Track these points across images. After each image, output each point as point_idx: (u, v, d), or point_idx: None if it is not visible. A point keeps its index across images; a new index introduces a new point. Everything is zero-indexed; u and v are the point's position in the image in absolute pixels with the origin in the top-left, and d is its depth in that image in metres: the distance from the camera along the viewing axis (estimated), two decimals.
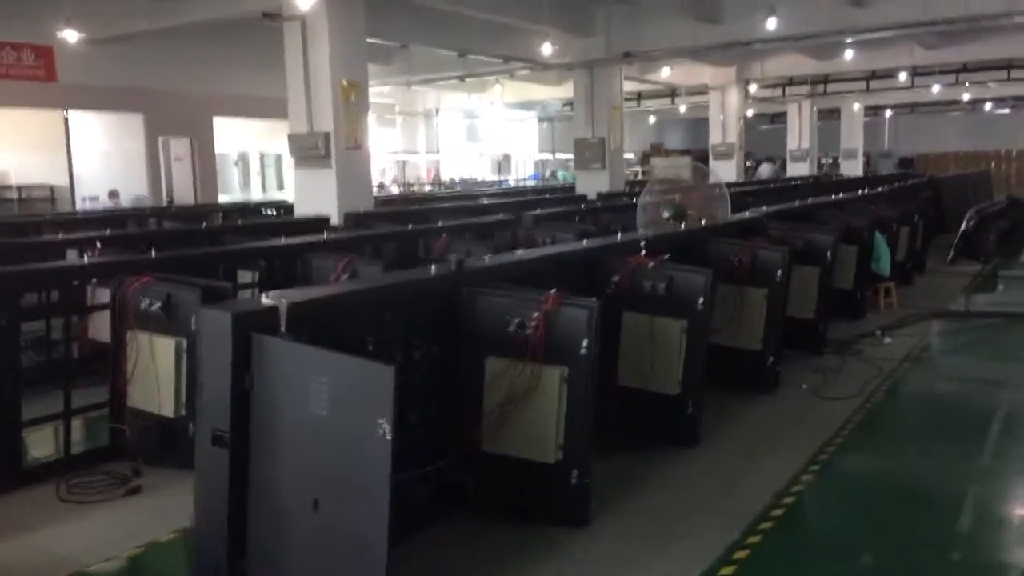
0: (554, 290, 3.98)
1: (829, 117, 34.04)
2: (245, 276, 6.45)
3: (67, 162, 14.90)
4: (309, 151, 11.64)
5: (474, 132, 31.11)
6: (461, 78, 20.75)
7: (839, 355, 7.12)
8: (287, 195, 19.59)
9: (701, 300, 4.86)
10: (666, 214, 7.58)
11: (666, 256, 5.07)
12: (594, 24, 17.51)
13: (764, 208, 7.92)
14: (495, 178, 29.68)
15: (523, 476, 3.99)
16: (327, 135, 11.35)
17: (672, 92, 28.47)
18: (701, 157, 38.04)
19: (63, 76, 14.19)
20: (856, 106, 33.08)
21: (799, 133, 30.11)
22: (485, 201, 14.23)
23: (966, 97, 31.36)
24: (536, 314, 3.88)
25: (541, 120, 32.60)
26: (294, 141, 11.74)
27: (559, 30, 16.59)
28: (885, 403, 5.95)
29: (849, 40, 18.25)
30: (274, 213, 13.65)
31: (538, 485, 3.99)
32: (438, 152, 28.47)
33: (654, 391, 4.94)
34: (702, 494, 4.38)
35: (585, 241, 5.48)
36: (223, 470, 3.08)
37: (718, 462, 4.83)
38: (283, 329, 3.11)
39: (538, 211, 9.15)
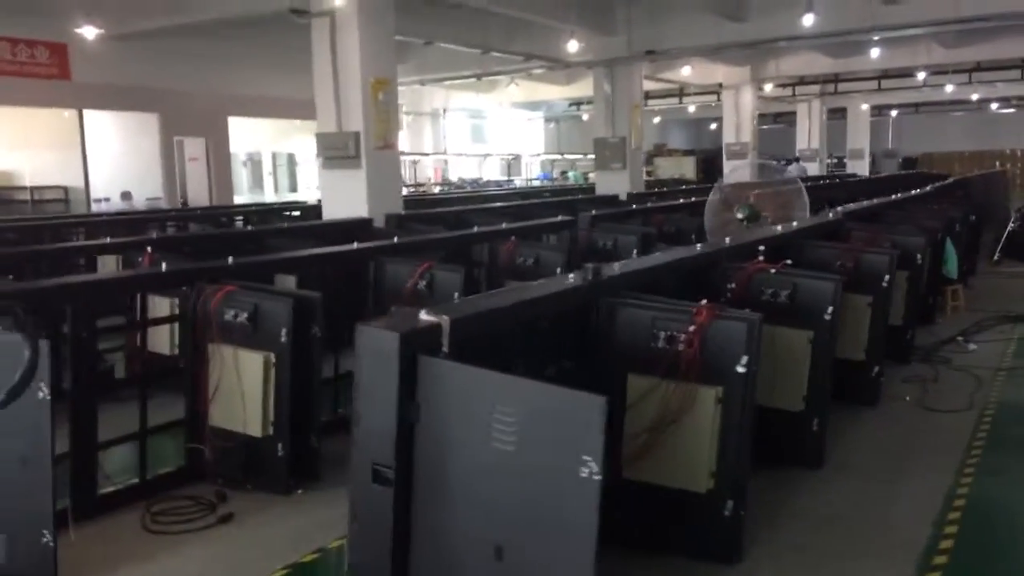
0: (705, 301, 3.63)
1: (833, 117, 33.84)
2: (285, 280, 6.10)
3: (82, 162, 14.47)
4: (338, 151, 11.23)
5: (479, 132, 30.74)
6: (477, 76, 20.43)
7: (928, 363, 6.80)
8: (299, 196, 19.29)
9: (830, 309, 4.52)
10: (740, 215, 7.24)
11: (788, 262, 4.73)
12: (615, 21, 17.20)
13: (839, 209, 7.55)
14: (503, 178, 29.30)
15: (669, 506, 3.63)
16: (357, 134, 10.96)
17: (680, 92, 28.21)
18: (705, 157, 38.09)
19: (77, 75, 13.78)
20: (864, 106, 32.90)
21: (808, 133, 29.90)
22: (498, 204, 13.89)
23: (975, 97, 31.21)
24: (690, 328, 3.53)
25: (548, 120, 32.30)
26: (322, 141, 11.34)
27: (580, 27, 16.30)
28: (1002, 417, 5.60)
29: (876, 38, 17.96)
30: (297, 214, 13.27)
31: (687, 516, 3.64)
32: (445, 153, 28.10)
33: (775, 407, 4.60)
34: (853, 525, 4.02)
35: (699, 246, 5.12)
36: (385, 511, 2.71)
37: (854, 487, 4.48)
38: (446, 349, 2.75)
39: (593, 212, 8.78)
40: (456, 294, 5.59)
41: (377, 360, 2.69)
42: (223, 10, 12.57)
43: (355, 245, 5.96)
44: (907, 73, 26.37)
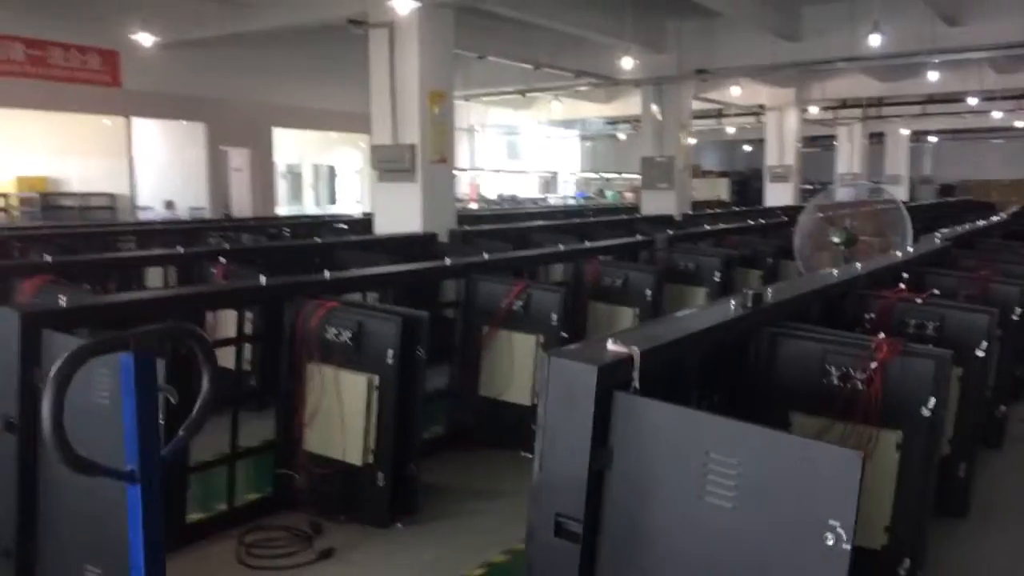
0: (882, 334, 3.28)
1: (870, 141, 33.37)
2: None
3: (128, 170, 14.29)
4: (393, 164, 10.99)
5: (514, 149, 30.50)
6: (522, 92, 20.19)
7: None
8: (339, 208, 19.09)
9: (984, 344, 4.14)
10: (836, 239, 6.88)
11: (935, 292, 4.38)
12: (665, 39, 16.93)
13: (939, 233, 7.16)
14: (539, 196, 29.02)
15: None
16: (413, 147, 10.72)
17: (719, 112, 27.90)
18: (738, 179, 37.68)
19: (127, 82, 13.63)
20: (903, 131, 32.44)
21: (850, 157, 29.47)
22: (553, 222, 13.59)
23: (1019, 124, 30.69)
24: (870, 365, 3.17)
25: (583, 138, 32.04)
26: (378, 153, 11.10)
27: (630, 44, 16.04)
28: None
29: (936, 60, 17.57)
30: (345, 227, 12.99)
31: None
32: (481, 168, 27.87)
33: None
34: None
35: (835, 271, 4.76)
36: (569, 570, 2.36)
37: (1014, 539, 4.11)
38: (636, 384, 2.42)
39: (670, 232, 8.45)
40: (554, 316, 5.28)
41: (569, 396, 2.35)
42: (279, 20, 12.41)
43: (447, 261, 5.64)
44: (952, 98, 25.95)
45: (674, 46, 16.98)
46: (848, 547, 2.02)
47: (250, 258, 6.92)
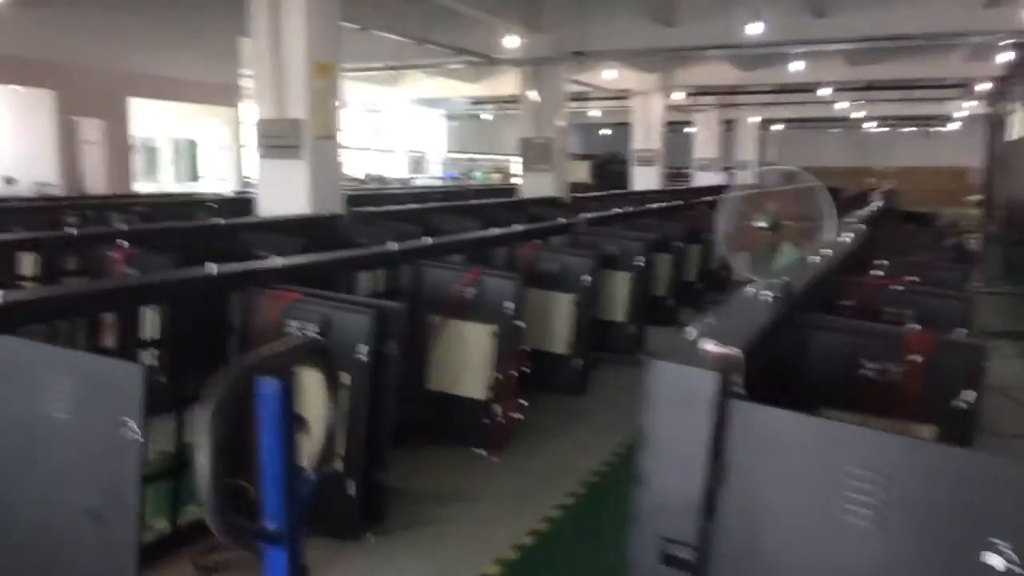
0: (914, 325, 3.18)
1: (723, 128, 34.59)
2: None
3: None
4: (279, 140, 10.33)
5: (377, 128, 29.77)
6: (394, 68, 19.63)
7: None
8: (204, 186, 17.92)
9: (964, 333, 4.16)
10: (762, 224, 6.86)
11: (915, 279, 4.37)
12: (541, 18, 16.79)
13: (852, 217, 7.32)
14: (406, 176, 28.43)
15: None
16: (299, 122, 10.09)
17: (583, 96, 28.13)
18: (598, 163, 38.30)
19: None
20: (753, 118, 33.83)
21: (706, 142, 30.44)
22: (434, 204, 13.24)
23: (860, 114, 32.58)
24: (909, 357, 3.06)
25: (449, 118, 31.63)
26: (263, 128, 10.37)
27: (510, 23, 15.84)
28: None
29: (798, 51, 18.27)
30: (215, 206, 12.11)
31: None
32: (347, 147, 26.96)
33: None
34: None
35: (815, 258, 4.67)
36: None
37: None
38: (741, 390, 2.18)
39: (586, 215, 8.29)
40: (508, 304, 5.00)
41: (680, 404, 2.08)
42: None
43: (395, 247, 5.23)
44: (803, 88, 27.19)
45: (551, 26, 16.87)
46: (1021, 572, 1.85)
47: (147, 240, 6.22)
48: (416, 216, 9.64)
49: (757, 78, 23.90)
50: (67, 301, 3.23)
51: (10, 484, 2.81)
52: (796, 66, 21.02)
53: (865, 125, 37.80)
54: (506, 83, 24.76)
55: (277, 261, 4.19)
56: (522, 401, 5.22)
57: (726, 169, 31.66)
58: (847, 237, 5.60)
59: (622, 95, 26.30)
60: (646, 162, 24.30)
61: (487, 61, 17.78)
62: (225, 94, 16.76)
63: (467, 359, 5.01)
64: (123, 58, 14.41)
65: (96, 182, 14.90)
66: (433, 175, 29.80)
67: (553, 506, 4.36)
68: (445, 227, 9.19)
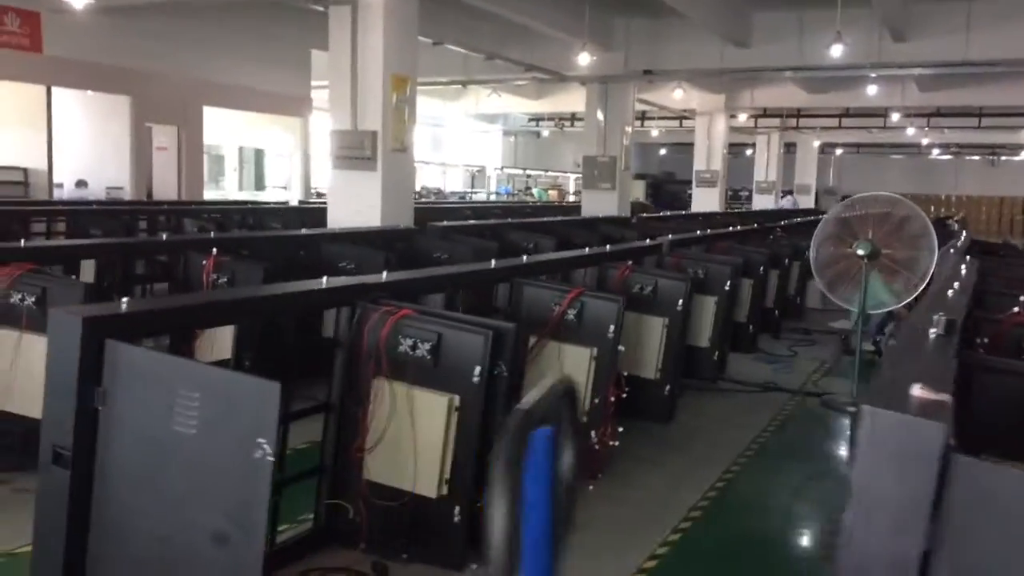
0: None
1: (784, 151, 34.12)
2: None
3: (47, 144, 13.06)
4: (353, 151, 10.34)
5: (438, 142, 29.86)
6: (463, 83, 19.65)
7: None
8: (267, 195, 18.08)
9: None
10: (860, 252, 6.65)
11: None
12: (613, 36, 16.68)
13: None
14: (465, 190, 28.45)
15: None
16: (374, 134, 10.07)
17: (642, 115, 27.95)
18: (653, 182, 38.06)
19: (49, 47, 12.43)
20: (816, 142, 33.34)
21: (767, 165, 30.03)
22: (493, 220, 13.14)
23: (925, 141, 31.94)
24: None
25: (506, 134, 31.63)
26: (337, 139, 10.40)
27: (580, 40, 15.73)
28: None
29: (873, 75, 17.92)
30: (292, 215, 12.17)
31: None
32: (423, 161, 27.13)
33: None
34: None
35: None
36: None
37: None
38: (952, 442, 1.98)
39: (669, 237, 8.11)
40: (612, 327, 4.83)
41: (900, 458, 1.89)
42: None
43: (492, 264, 5.11)
44: (868, 113, 26.74)
45: (621, 44, 16.74)
46: None
47: (231, 248, 6.18)
48: (491, 232, 9.54)
49: (824, 101, 23.55)
50: (187, 312, 3.14)
51: (134, 499, 2.71)
52: (867, 90, 20.65)
53: (935, 152, 37.04)
54: (568, 100, 24.76)
55: (382, 276, 4.07)
56: (619, 428, 5.04)
57: (786, 193, 31.19)
58: (963, 268, 5.35)
59: (683, 115, 26.11)
60: (707, 183, 24.02)
61: (556, 78, 17.69)
62: (296, 105, 16.88)
63: None
64: (199, 66, 14.58)
65: (166, 188, 15.07)
66: (489, 190, 29.75)
67: (659, 542, 4.17)
68: (520, 243, 9.09)
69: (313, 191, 16.99)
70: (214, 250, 5.60)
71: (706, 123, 23.90)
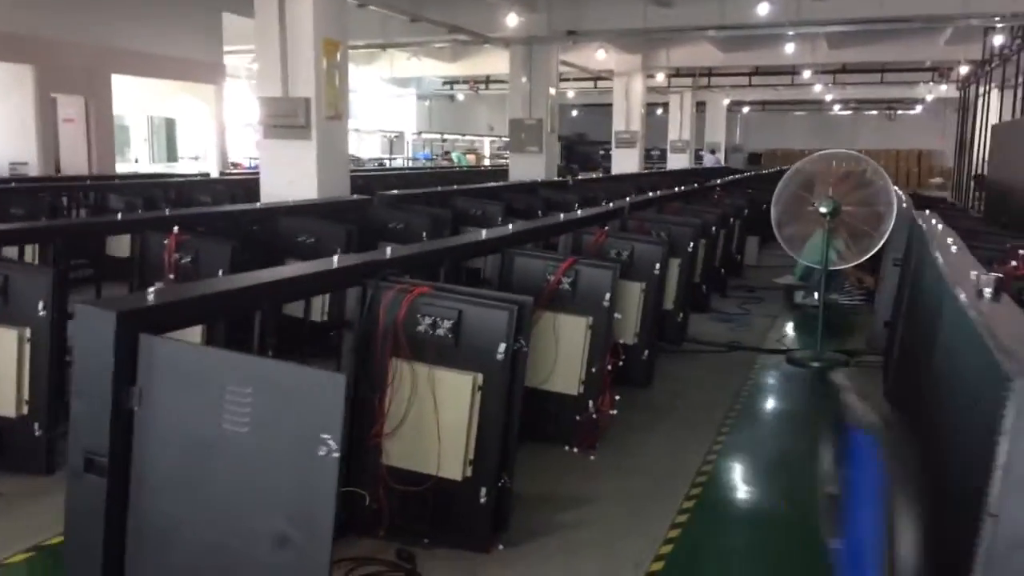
0: None
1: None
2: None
3: None
4: (285, 119, 9.93)
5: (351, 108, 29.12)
6: (382, 47, 19.15)
7: None
8: (185, 167, 17.29)
9: None
10: (824, 209, 6.71)
11: None
12: None
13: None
14: (383, 156, 27.88)
15: None
16: (307, 101, 9.70)
17: (559, 76, 27.79)
18: (566, 144, 38.06)
19: None
20: (726, 100, 33.87)
21: (680, 124, 30.36)
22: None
23: (829, 97, 32.78)
24: None
25: (421, 98, 31.09)
26: (267, 106, 9.96)
27: (503, 1, 15.53)
28: None
29: (791, 33, 18.20)
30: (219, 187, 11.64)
31: None
32: None
33: None
34: None
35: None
36: None
37: None
38: None
39: (628, 200, 8.06)
40: (607, 295, 4.75)
41: None
42: None
43: (483, 234, 4.94)
44: (777, 71, 27.25)
45: (545, 6, 16.56)
46: None
47: (187, 226, 5.82)
48: (440, 199, 9.32)
49: (737, 59, 23.86)
50: (222, 299, 2.90)
51: (178, 506, 2.50)
52: (783, 48, 21.01)
53: (831, 108, 38.10)
54: (485, 63, 24.47)
55: (386, 251, 3.87)
56: (616, 396, 4.97)
57: (711, 151, 31.63)
58: (938, 225, 5.42)
59: (598, 76, 26.08)
60: (626, 143, 24.11)
61: (478, 40, 17.40)
62: (208, 71, 16.15)
63: (560, 353, 4.75)
64: (106, 32, 13.78)
65: (75, 162, 14.26)
66: (407, 156, 29.26)
67: (676, 510, 4.14)
68: (471, 211, 8.91)
69: (230, 162, 16.33)
70: (175, 228, 5.26)
71: (624, 83, 23.92)
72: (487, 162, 31.68)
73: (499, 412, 3.58)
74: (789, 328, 8.57)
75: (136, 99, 17.56)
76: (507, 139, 37.15)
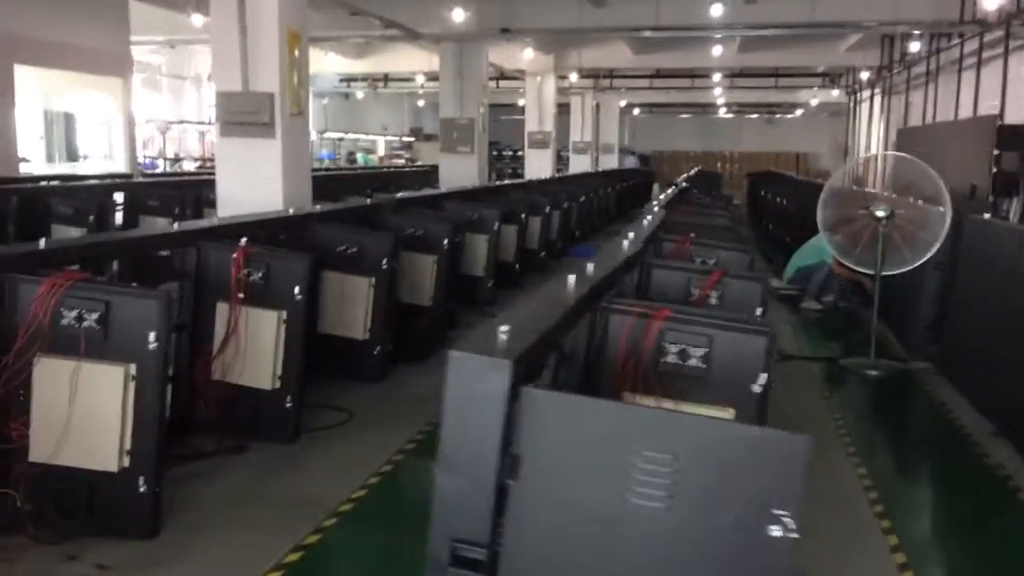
0: None
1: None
2: None
3: None
4: (247, 116, 9.14)
5: None
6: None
7: None
8: (87, 167, 15.79)
9: None
10: (880, 213, 6.55)
11: None
12: None
13: None
14: None
15: None
16: (271, 96, 8.95)
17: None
18: None
19: None
20: (622, 102, 34.19)
21: (582, 125, 30.39)
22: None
23: (721, 101, 33.60)
24: None
25: (317, 95, 29.86)
26: (225, 102, 9.12)
27: None
28: None
29: (719, 36, 18.38)
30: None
31: None
32: (210, 123, 25.01)
33: None
34: None
35: None
36: None
37: None
38: None
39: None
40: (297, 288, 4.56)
41: None
42: None
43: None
44: (676, 74, 27.62)
45: (475, 3, 16.10)
46: None
47: (232, 237, 5.07)
48: (432, 203, 8.76)
49: (646, 62, 24.01)
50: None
51: None
52: (691, 50, 21.26)
53: (716, 111, 39.12)
54: (392, 60, 23.79)
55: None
56: None
57: (630, 153, 31.83)
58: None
59: (500, 76, 25.70)
60: (539, 144, 23.94)
61: (408, 36, 16.74)
62: (115, 63, 14.86)
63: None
64: (4, 20, 12.41)
65: None
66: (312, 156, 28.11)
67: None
68: (465, 214, 8.43)
69: (147, 162, 15.09)
70: (243, 240, 4.52)
71: (536, 83, 23.72)
72: (375, 161, 31.09)
73: (155, 401, 3.44)
74: (802, 333, 8.45)
75: (27, 93, 15.97)
76: (405, 139, 36.47)
